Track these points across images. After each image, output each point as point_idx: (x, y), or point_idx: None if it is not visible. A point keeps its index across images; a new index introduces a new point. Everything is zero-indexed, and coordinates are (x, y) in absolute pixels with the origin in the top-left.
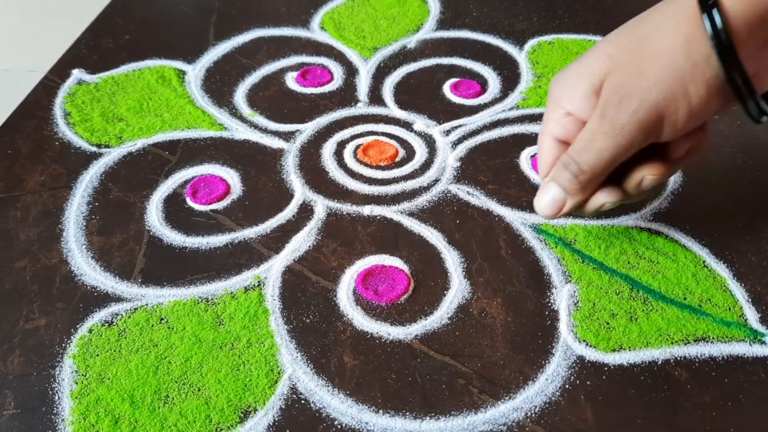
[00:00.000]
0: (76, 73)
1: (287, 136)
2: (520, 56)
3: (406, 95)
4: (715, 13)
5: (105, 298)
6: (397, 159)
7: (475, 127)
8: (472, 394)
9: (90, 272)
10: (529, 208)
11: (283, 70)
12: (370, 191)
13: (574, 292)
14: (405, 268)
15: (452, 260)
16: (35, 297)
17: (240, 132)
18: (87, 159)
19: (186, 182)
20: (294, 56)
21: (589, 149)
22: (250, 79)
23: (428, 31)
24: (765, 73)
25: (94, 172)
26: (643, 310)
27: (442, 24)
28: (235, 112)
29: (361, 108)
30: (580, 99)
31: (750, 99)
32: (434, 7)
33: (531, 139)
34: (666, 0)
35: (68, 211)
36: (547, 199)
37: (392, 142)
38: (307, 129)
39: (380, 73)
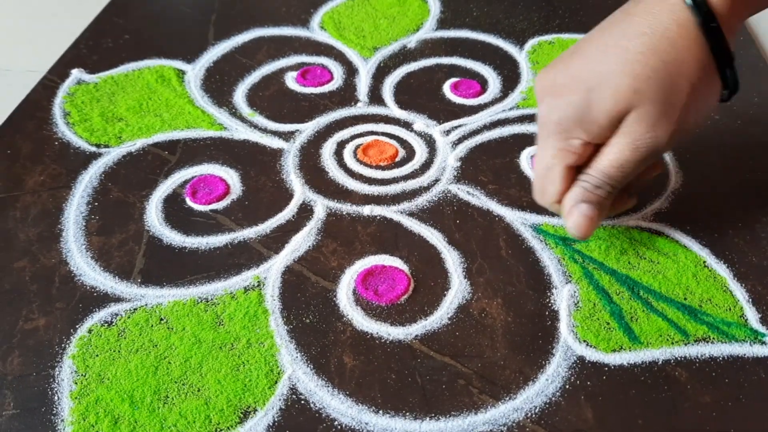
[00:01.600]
0: (76, 73)
1: (287, 136)
2: (520, 56)
3: (406, 95)
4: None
5: (104, 299)
6: (397, 159)
7: (475, 127)
8: (472, 395)
9: (89, 272)
10: (529, 208)
11: (283, 70)
12: (370, 191)
13: (575, 292)
14: (405, 268)
15: (452, 260)
16: (35, 297)
17: (240, 132)
18: (86, 159)
19: (186, 182)
20: (294, 56)
21: (619, 168)
22: (250, 79)
23: (428, 30)
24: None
25: (94, 172)
26: (643, 311)
27: (442, 24)
28: (234, 112)
29: (361, 108)
30: (600, 129)
31: (728, 68)
32: (434, 6)
33: (531, 139)
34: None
35: (68, 211)
36: (584, 219)
37: (392, 142)
38: (307, 129)
39: (380, 73)
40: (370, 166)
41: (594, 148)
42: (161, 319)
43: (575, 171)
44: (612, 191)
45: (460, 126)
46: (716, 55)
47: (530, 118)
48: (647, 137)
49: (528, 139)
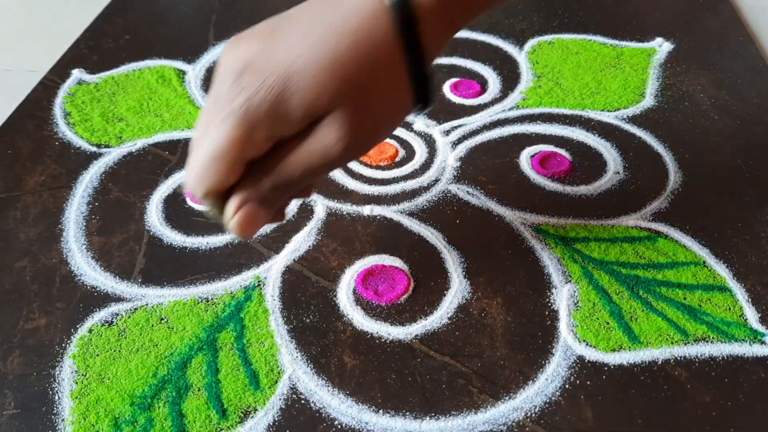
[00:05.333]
0: (76, 73)
1: None
2: (520, 56)
3: None
4: None
5: (105, 298)
6: (397, 159)
7: (475, 127)
8: (472, 394)
9: (90, 272)
10: (529, 208)
11: None
12: (370, 191)
13: (574, 292)
14: (405, 268)
15: (452, 260)
16: (35, 297)
17: None
18: (87, 159)
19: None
20: None
21: (304, 173)
22: None
23: None
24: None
25: (94, 172)
26: (643, 310)
27: None
28: None
29: None
30: (290, 125)
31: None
32: None
33: (531, 139)
34: None
35: (68, 211)
36: (252, 220)
37: (392, 142)
38: None
39: None
40: (370, 166)
41: (274, 142)
42: (162, 319)
43: (246, 162)
44: (287, 195)
45: (460, 126)
46: (413, 74)
47: (530, 119)
48: (340, 146)
49: (528, 139)
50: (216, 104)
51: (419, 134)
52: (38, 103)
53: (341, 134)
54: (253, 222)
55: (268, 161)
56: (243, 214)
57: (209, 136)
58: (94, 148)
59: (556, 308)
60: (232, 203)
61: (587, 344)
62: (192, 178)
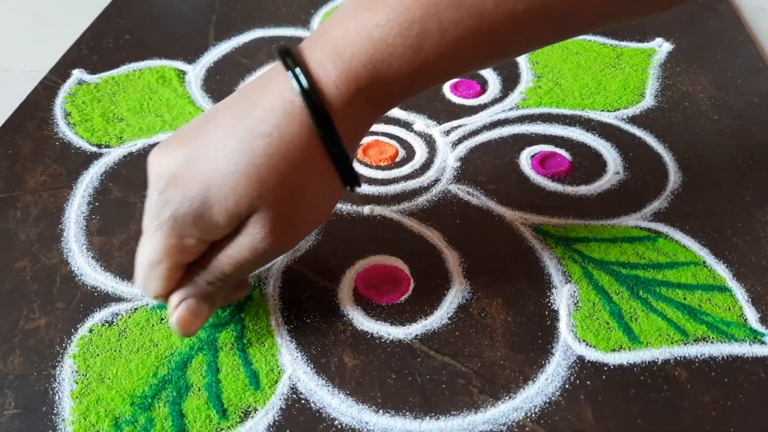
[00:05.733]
0: (77, 74)
1: None
2: (520, 56)
3: None
4: (299, 72)
5: (105, 298)
6: (397, 159)
7: (475, 127)
8: (472, 394)
9: (90, 272)
10: (529, 208)
11: None
12: (370, 191)
13: (574, 292)
14: (405, 268)
15: (452, 260)
16: (35, 297)
17: None
18: (87, 159)
19: None
20: None
21: (236, 267)
22: (251, 80)
23: None
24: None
25: (95, 172)
26: (643, 310)
27: None
28: None
29: None
30: (218, 229)
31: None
32: None
33: (531, 139)
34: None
35: (68, 211)
36: (190, 315)
37: (392, 142)
38: None
39: None
40: (370, 166)
41: (208, 244)
42: (162, 319)
43: (185, 265)
44: (225, 288)
45: (460, 126)
46: (335, 161)
47: (530, 119)
48: (269, 241)
49: (528, 139)
50: (148, 215)
51: (419, 134)
52: (38, 103)
53: (266, 232)
54: (193, 317)
55: (204, 259)
56: (181, 310)
57: (144, 248)
58: (94, 148)
59: (556, 308)
60: (172, 302)
61: (587, 344)
62: (139, 286)
